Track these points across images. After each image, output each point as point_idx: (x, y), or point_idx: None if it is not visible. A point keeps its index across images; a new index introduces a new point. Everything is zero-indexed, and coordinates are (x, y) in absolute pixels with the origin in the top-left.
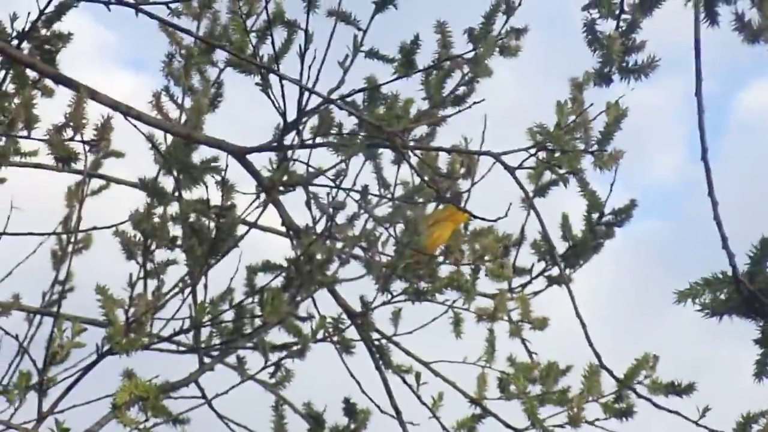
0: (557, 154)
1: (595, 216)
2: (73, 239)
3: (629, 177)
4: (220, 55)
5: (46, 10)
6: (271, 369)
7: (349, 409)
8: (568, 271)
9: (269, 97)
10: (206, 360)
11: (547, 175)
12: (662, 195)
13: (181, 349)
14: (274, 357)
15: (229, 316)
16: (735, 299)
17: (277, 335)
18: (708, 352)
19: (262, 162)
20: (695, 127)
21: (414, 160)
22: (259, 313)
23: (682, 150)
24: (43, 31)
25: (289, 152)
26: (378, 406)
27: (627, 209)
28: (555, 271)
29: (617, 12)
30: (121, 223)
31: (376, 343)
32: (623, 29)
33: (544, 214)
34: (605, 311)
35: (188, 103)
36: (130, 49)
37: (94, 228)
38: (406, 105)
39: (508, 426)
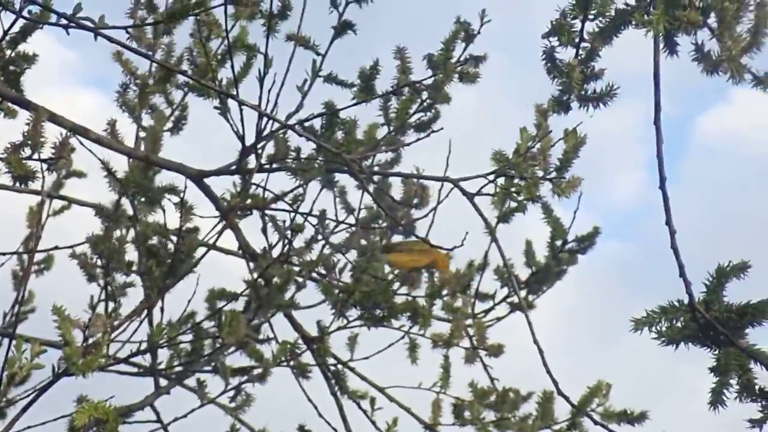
0: (516, 181)
1: (558, 243)
2: (32, 259)
3: (591, 199)
4: (183, 77)
5: (10, 32)
6: (231, 393)
7: None
8: (530, 297)
9: (228, 120)
10: (162, 383)
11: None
12: (623, 217)
13: (139, 371)
14: (233, 381)
15: (187, 338)
16: (691, 327)
17: (237, 359)
18: (668, 373)
19: (220, 185)
20: (655, 152)
21: (373, 187)
22: (218, 335)
23: (643, 172)
24: (8, 52)
25: (248, 176)
26: (335, 430)
27: (590, 236)
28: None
29: (577, 40)
30: (80, 244)
31: (332, 368)
32: (582, 57)
33: (509, 238)
34: (566, 333)
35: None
36: (92, 67)
37: (56, 248)
38: (371, 131)
39: None
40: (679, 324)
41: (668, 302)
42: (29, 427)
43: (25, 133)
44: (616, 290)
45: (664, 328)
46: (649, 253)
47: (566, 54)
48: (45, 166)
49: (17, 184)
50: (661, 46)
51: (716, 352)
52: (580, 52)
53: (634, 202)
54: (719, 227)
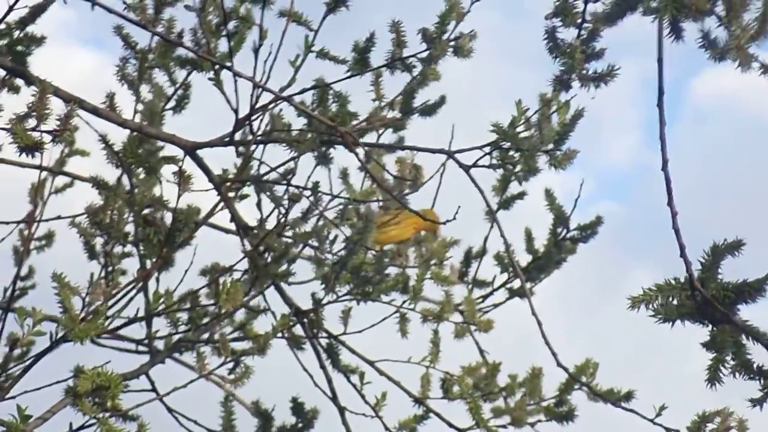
0: (512, 153)
1: (560, 230)
2: (34, 231)
3: (586, 160)
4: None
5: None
6: (230, 365)
7: (297, 408)
8: (529, 284)
9: (222, 92)
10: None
11: (512, 188)
12: (619, 177)
13: (136, 344)
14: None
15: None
16: (688, 305)
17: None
18: (660, 332)
19: (213, 157)
20: (650, 112)
21: (367, 159)
22: (215, 302)
23: (637, 133)
24: (17, 34)
25: (242, 148)
26: (331, 398)
27: (592, 225)
28: (516, 283)
29: (579, 21)
30: (80, 214)
31: (323, 341)
32: (584, 37)
33: (507, 219)
34: (560, 293)
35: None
36: (91, 27)
37: (59, 217)
38: (375, 111)
39: (451, 426)
40: (675, 302)
41: (665, 280)
42: (25, 392)
43: (30, 105)
44: (609, 249)
45: (660, 306)
46: (645, 214)
47: (568, 34)
48: (49, 137)
49: (23, 155)
50: (666, 32)
51: (711, 329)
52: (582, 32)
53: (629, 163)
54: (711, 189)
